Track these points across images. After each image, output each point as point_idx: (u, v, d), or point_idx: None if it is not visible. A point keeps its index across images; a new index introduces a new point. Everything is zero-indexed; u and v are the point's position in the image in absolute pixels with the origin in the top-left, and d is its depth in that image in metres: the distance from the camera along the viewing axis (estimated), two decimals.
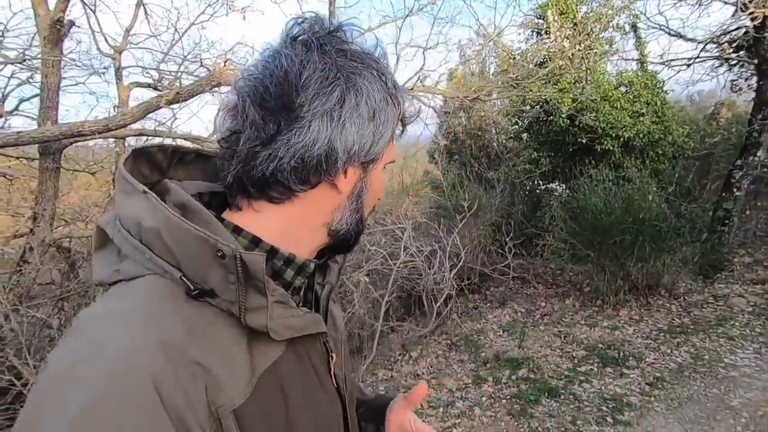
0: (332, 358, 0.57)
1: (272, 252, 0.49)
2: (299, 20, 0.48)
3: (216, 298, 0.42)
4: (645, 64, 6.64)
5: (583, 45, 4.98)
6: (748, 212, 5.06)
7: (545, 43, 5.25)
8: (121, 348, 0.36)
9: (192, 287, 0.41)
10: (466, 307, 4.48)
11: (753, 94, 8.43)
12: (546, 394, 2.73)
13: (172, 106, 2.59)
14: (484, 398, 2.77)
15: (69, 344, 0.39)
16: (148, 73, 4.25)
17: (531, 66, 5.71)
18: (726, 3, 5.38)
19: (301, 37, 0.46)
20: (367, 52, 0.49)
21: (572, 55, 5.00)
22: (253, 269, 0.41)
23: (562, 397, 2.71)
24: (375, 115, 0.48)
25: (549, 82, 5.16)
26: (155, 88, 4.06)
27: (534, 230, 5.56)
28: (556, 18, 5.07)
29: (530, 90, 5.01)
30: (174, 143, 0.57)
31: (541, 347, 3.40)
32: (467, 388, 2.90)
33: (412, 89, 3.71)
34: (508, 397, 2.76)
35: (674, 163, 5.60)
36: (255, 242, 0.48)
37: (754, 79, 8.13)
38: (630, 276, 4.07)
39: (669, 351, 3.20)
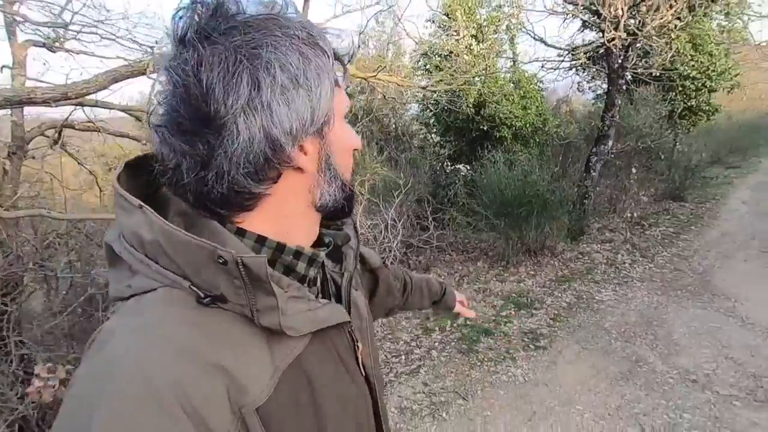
0: (358, 347, 0.57)
1: (279, 248, 0.48)
2: (178, 15, 0.42)
3: (227, 303, 0.42)
4: (517, 63, 7.86)
5: (485, 44, 5.75)
6: (598, 189, 6.51)
7: (455, 39, 5.89)
8: (140, 360, 0.37)
9: (202, 295, 0.42)
10: None
11: (592, 94, 10.51)
12: (483, 334, 3.38)
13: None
14: (436, 343, 3.31)
15: (92, 361, 0.40)
16: (50, 30, 3.71)
17: (437, 58, 6.37)
18: (586, 26, 6.72)
19: (185, 37, 0.41)
20: (263, 15, 0.43)
21: (477, 52, 5.75)
22: (256, 272, 0.41)
23: (495, 334, 3.39)
24: (298, 80, 0.43)
25: (456, 74, 5.87)
26: (50, 49, 3.57)
27: (441, 206, 6.34)
28: (463, 17, 5.74)
29: (440, 80, 5.64)
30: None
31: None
32: (420, 339, 3.41)
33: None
34: (455, 340, 3.34)
35: (548, 148, 6.88)
36: (260, 241, 0.47)
37: (595, 82, 10.19)
38: (525, 240, 5.03)
39: (559, 295, 4.15)
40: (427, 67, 6.33)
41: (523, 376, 2.87)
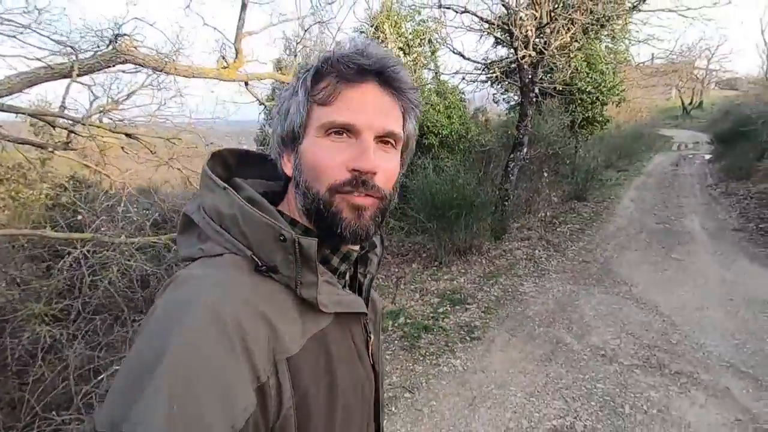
0: (370, 338, 0.65)
1: (322, 240, 0.55)
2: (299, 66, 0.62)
3: (278, 274, 0.52)
4: (439, 74, 8.38)
5: (412, 56, 6.06)
6: (516, 191, 7.14)
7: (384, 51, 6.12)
8: (212, 300, 0.46)
9: (260, 263, 0.51)
10: None
11: (506, 105, 11.46)
12: (424, 331, 3.57)
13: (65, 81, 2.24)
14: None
15: (170, 296, 0.49)
16: None
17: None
18: (499, 43, 7.35)
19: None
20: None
21: (404, 64, 6.04)
22: (307, 251, 0.51)
23: (435, 330, 3.60)
24: (279, 109, 0.60)
25: None
26: None
27: None
28: (391, 30, 6.00)
29: None
30: (243, 148, 0.66)
31: (407, 301, 4.27)
32: None
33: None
34: (398, 338, 3.49)
35: (471, 155, 7.40)
36: (306, 232, 0.58)
37: (508, 94, 11.11)
38: (455, 241, 5.37)
39: (488, 290, 4.51)
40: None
41: (462, 366, 3.10)
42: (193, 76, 2.66)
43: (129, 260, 2.56)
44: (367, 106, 0.55)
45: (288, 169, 0.59)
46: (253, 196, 0.56)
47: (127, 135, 3.05)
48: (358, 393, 0.60)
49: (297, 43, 5.33)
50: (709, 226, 6.63)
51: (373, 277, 0.69)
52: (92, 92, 2.49)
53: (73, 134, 3.21)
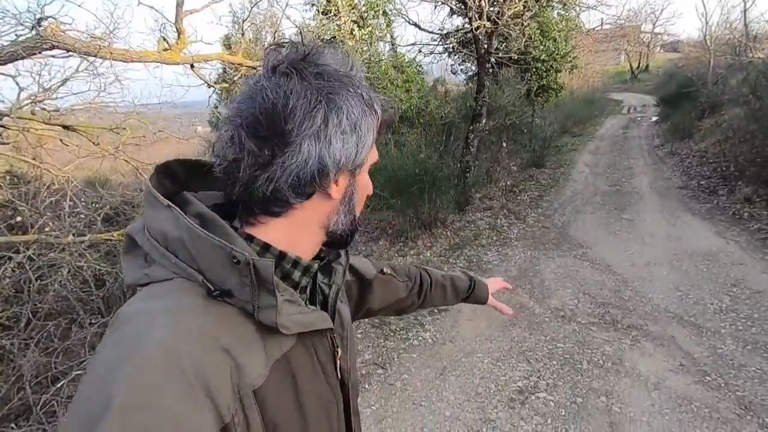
0: (338, 352, 0.63)
1: (281, 256, 0.55)
2: (276, 49, 0.53)
3: (233, 298, 0.48)
4: (395, 47, 8.26)
5: (366, 29, 5.91)
6: (477, 162, 7.26)
7: (336, 24, 5.93)
8: (164, 335, 0.42)
9: (213, 288, 0.48)
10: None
11: (464, 76, 11.47)
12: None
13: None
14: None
15: (118, 335, 0.45)
16: None
17: (320, 42, 6.35)
18: (454, 13, 7.28)
19: (279, 67, 0.51)
20: (343, 72, 0.54)
21: (359, 37, 5.88)
22: (263, 274, 0.48)
23: None
24: (356, 128, 0.53)
25: None
26: None
27: None
28: (344, 3, 5.80)
29: None
30: (193, 158, 0.61)
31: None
32: None
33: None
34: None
35: (431, 128, 7.42)
36: (265, 248, 0.54)
37: (466, 64, 11.11)
38: (420, 216, 5.44)
39: (454, 261, 4.63)
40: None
41: (431, 338, 3.20)
42: (132, 61, 2.49)
43: (80, 260, 2.43)
44: None
45: (334, 190, 0.56)
46: (203, 212, 0.52)
47: (65, 127, 2.84)
48: (324, 413, 0.59)
49: (244, 21, 5.06)
50: (656, 186, 7.02)
51: (339, 288, 0.66)
52: (17, 83, 2.27)
53: (1, 127, 2.96)
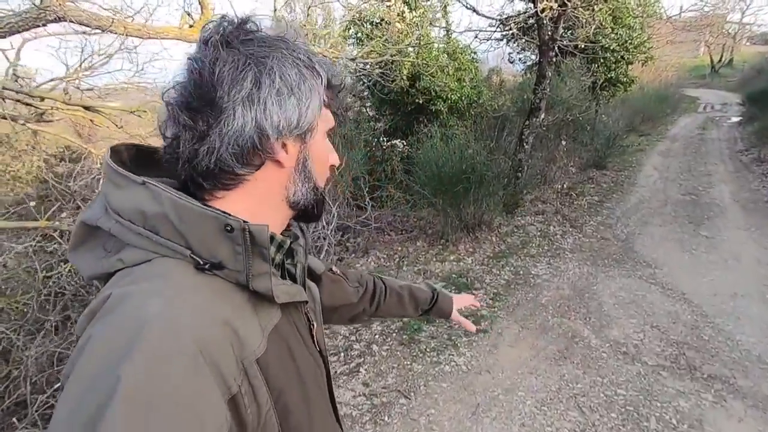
0: (313, 326, 0.65)
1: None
2: (209, 24, 0.52)
3: (224, 270, 0.48)
4: (450, 33, 7.69)
5: (418, 12, 5.45)
6: (530, 161, 6.64)
7: (386, 5, 5.53)
8: (163, 315, 0.41)
9: (201, 262, 0.47)
10: (334, 259, 4.74)
11: (522, 66, 10.69)
12: (425, 322, 3.27)
13: None
14: (377, 336, 3.14)
15: (112, 317, 0.41)
16: None
17: (368, 26, 5.98)
18: None
19: (210, 39, 0.50)
20: (275, 36, 0.53)
21: (410, 21, 5.44)
22: (258, 238, 0.48)
23: (437, 322, 3.29)
24: (294, 90, 0.52)
25: (388, 43, 5.54)
26: None
27: (378, 183, 6.12)
28: None
29: (371, 50, 5.29)
30: (140, 143, 0.59)
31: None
32: (359, 332, 3.22)
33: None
34: (396, 330, 3.20)
35: (483, 121, 6.86)
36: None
37: (525, 53, 10.32)
38: (463, 217, 4.98)
39: (498, 272, 4.16)
40: (358, 35, 5.92)
41: (466, 365, 2.80)
42: (149, 37, 2.25)
43: None
44: None
45: (285, 157, 0.54)
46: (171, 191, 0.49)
47: (86, 108, 2.68)
48: (315, 380, 0.61)
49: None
50: (740, 198, 6.09)
51: (304, 267, 0.67)
52: (7, 58, 2.07)
53: (57, 105, 2.84)
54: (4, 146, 5.21)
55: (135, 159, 0.57)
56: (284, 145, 0.54)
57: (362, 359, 2.88)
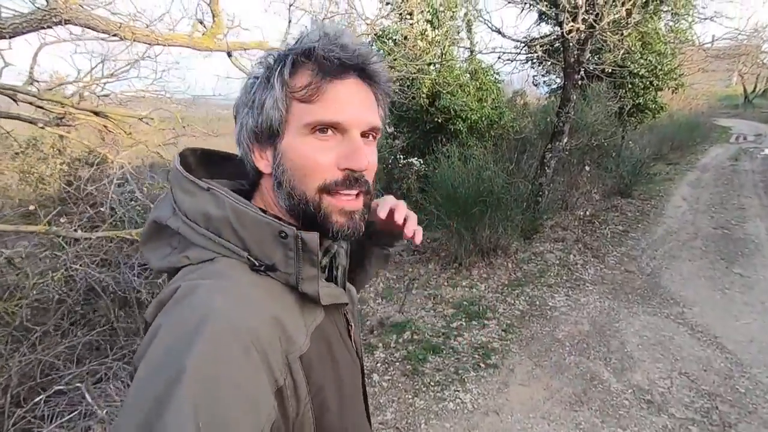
0: (351, 327, 0.67)
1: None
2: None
3: (276, 272, 0.52)
4: (474, 53, 7.60)
5: (441, 30, 5.39)
6: (552, 186, 6.41)
7: (409, 23, 5.49)
8: (225, 312, 0.44)
9: (257, 263, 0.51)
10: None
11: (546, 88, 10.52)
12: (431, 352, 3.07)
13: None
14: (378, 364, 2.96)
15: (179, 311, 0.46)
16: None
17: (390, 43, 5.94)
18: (542, 19, 6.52)
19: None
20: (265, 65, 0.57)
21: (432, 39, 5.38)
22: (310, 245, 0.51)
23: (444, 352, 3.09)
24: (251, 102, 0.56)
25: (410, 61, 5.47)
26: None
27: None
28: (418, 0, 5.33)
29: (391, 66, 5.23)
30: (204, 148, 0.64)
31: (417, 310, 3.77)
32: None
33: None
34: (400, 359, 3.01)
35: (503, 143, 6.69)
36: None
37: (550, 76, 10.17)
38: (478, 241, 4.78)
39: (512, 301, 3.93)
40: (380, 51, 5.89)
41: (472, 403, 2.58)
42: (158, 44, 2.20)
43: (76, 263, 2.17)
44: (353, 103, 0.55)
45: (262, 165, 0.58)
46: (236, 197, 0.54)
47: (95, 113, 2.64)
48: (352, 379, 0.62)
49: (323, 19, 4.65)
50: None
51: (345, 268, 0.67)
52: (3, 59, 2.03)
53: (67, 110, 2.83)
54: (31, 148, 5.31)
55: (200, 160, 0.63)
56: (261, 154, 0.57)
57: None
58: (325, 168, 0.54)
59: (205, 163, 0.63)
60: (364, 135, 0.56)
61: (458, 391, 2.69)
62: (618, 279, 4.47)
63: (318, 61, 0.53)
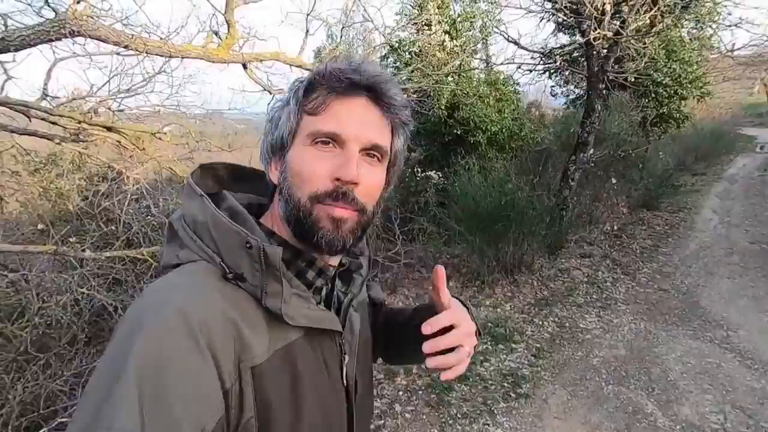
0: (345, 358, 0.63)
1: (296, 254, 0.58)
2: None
3: (245, 282, 0.51)
4: (490, 64, 7.47)
5: (460, 41, 5.27)
6: (576, 199, 6.17)
7: (427, 34, 5.39)
8: (179, 303, 0.46)
9: (228, 271, 0.51)
10: None
11: (564, 99, 10.30)
12: (457, 380, 2.86)
13: None
14: (400, 392, 2.76)
15: (141, 302, 0.49)
16: None
17: (407, 55, 5.84)
18: (560, 29, 6.36)
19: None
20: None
21: (450, 50, 5.26)
22: (271, 259, 0.51)
23: (470, 380, 2.87)
24: (271, 119, 0.60)
25: (427, 73, 5.36)
26: None
27: (410, 215, 5.82)
28: (436, 11, 5.24)
29: (409, 78, 5.11)
30: (237, 164, 0.68)
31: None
32: (381, 384, 2.85)
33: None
34: (423, 387, 2.81)
35: (523, 155, 6.49)
36: (282, 243, 0.57)
37: (568, 86, 9.96)
38: (502, 258, 4.57)
39: (540, 323, 3.70)
40: (397, 64, 5.79)
41: None
42: (171, 56, 2.10)
43: (82, 285, 2.05)
44: (354, 118, 0.56)
45: (274, 176, 0.60)
46: (234, 206, 0.57)
47: (107, 128, 2.56)
48: (321, 411, 0.58)
49: (343, 27, 4.51)
50: None
51: (353, 297, 0.66)
52: (5, 72, 1.95)
53: (81, 125, 2.77)
54: (50, 164, 5.34)
55: (233, 175, 0.66)
56: (273, 166, 0.60)
57: (382, 421, 2.50)
58: (319, 177, 0.55)
59: (238, 178, 0.66)
60: (367, 154, 0.57)
61: (488, 424, 2.47)
62: (652, 298, 4.20)
63: (329, 79, 0.56)
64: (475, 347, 0.64)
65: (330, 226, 0.55)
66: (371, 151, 0.57)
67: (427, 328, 0.58)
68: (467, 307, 0.68)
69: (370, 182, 0.57)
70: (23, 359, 2.07)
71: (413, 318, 0.74)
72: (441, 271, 0.62)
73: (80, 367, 2.02)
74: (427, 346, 0.58)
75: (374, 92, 0.57)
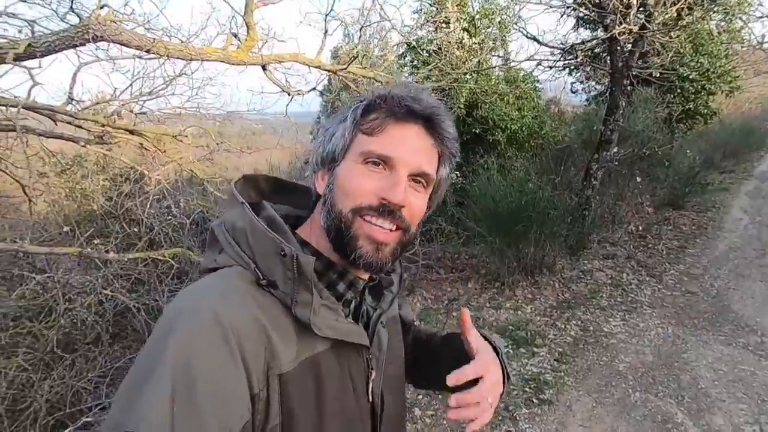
0: (371, 374, 0.63)
1: (329, 266, 0.59)
2: None
3: (277, 290, 0.53)
4: (508, 61, 7.33)
5: (479, 38, 5.18)
6: (599, 198, 6.02)
7: (446, 32, 5.32)
8: (213, 306, 0.48)
9: (261, 277, 0.53)
10: None
11: (584, 96, 10.05)
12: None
13: (24, 64, 1.80)
14: (420, 396, 2.73)
15: (178, 303, 0.50)
16: None
17: (425, 53, 5.78)
18: (581, 25, 6.19)
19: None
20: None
21: (469, 47, 5.18)
22: (304, 268, 0.52)
23: None
24: (326, 131, 0.62)
25: (446, 69, 5.29)
26: None
27: (429, 215, 5.75)
28: (454, 8, 5.16)
29: (427, 77, 5.05)
30: (276, 176, 0.71)
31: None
32: None
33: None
34: (444, 393, 2.76)
35: (543, 154, 6.36)
36: (316, 255, 0.57)
37: (589, 83, 9.72)
38: (522, 258, 4.48)
39: (563, 326, 3.61)
40: (414, 62, 5.74)
41: None
42: (192, 59, 2.11)
43: (106, 287, 2.08)
44: (407, 144, 0.58)
45: (320, 187, 0.62)
46: (272, 216, 0.58)
47: (129, 131, 2.60)
48: (344, 425, 0.58)
49: (362, 27, 4.43)
50: None
51: (382, 312, 0.66)
52: (32, 77, 1.97)
53: (105, 128, 2.82)
54: (76, 166, 5.47)
55: (274, 187, 0.69)
56: (320, 177, 0.62)
57: None
58: (364, 192, 0.57)
59: (278, 190, 0.69)
60: (414, 179, 0.59)
61: (510, 431, 2.41)
62: (680, 301, 4.06)
63: (389, 103, 0.58)
64: (501, 395, 0.67)
65: (369, 247, 0.56)
66: (418, 177, 0.59)
67: (452, 380, 0.60)
68: (497, 350, 0.70)
69: (415, 205, 0.59)
70: (50, 358, 2.11)
71: (442, 346, 0.78)
72: (466, 314, 0.69)
73: (104, 366, 2.05)
74: (453, 401, 0.60)
75: (430, 122, 0.59)
